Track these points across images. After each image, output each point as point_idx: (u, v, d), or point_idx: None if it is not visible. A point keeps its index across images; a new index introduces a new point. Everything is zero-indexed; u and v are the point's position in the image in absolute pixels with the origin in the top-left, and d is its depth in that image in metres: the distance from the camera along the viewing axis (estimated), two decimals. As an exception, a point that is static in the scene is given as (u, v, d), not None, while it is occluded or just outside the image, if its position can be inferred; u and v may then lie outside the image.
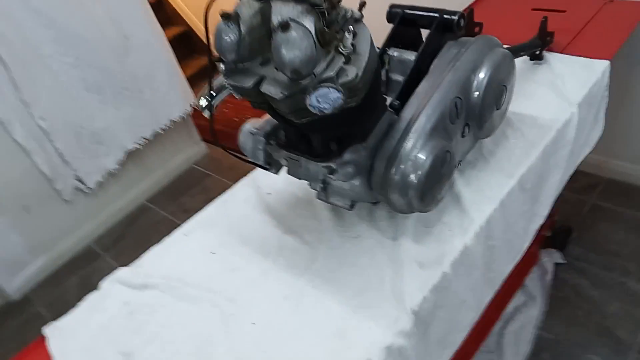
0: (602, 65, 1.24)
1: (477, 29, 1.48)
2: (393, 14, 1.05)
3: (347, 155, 0.83)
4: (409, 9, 1.03)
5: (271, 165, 0.95)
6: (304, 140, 0.85)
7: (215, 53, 0.74)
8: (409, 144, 0.83)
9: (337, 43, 0.71)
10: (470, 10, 1.44)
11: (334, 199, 0.94)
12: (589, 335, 1.42)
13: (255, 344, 0.79)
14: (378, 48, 1.02)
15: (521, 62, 1.31)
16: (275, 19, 0.68)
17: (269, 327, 0.82)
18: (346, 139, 0.82)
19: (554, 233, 1.66)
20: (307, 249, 0.95)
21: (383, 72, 1.02)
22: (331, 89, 0.68)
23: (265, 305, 0.86)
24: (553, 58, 1.31)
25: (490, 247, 0.96)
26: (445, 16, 0.97)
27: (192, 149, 2.68)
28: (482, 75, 0.91)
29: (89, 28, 1.99)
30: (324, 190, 0.89)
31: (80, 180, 2.17)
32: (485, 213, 0.93)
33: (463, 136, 0.93)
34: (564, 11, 1.50)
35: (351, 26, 0.72)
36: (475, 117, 0.93)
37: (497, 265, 1.02)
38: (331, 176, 0.84)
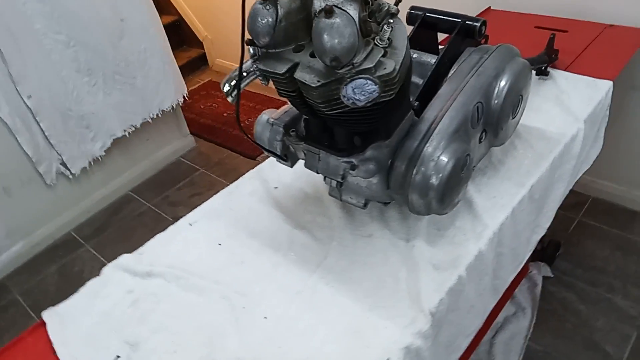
0: (606, 85, 1.27)
1: (483, 41, 1.51)
2: (413, 16, 1.05)
3: (369, 152, 0.82)
4: (430, 12, 1.04)
5: (287, 157, 0.94)
6: (327, 133, 0.84)
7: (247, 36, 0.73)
8: (431, 145, 0.83)
9: (374, 35, 0.70)
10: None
11: (348, 196, 0.94)
12: (576, 348, 1.44)
13: (269, 338, 0.78)
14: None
15: (528, 76, 1.33)
16: (318, 4, 0.67)
17: (281, 321, 0.80)
18: (370, 135, 0.81)
19: (543, 247, 1.68)
20: (318, 245, 0.94)
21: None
22: (368, 81, 0.67)
23: (277, 299, 0.84)
24: (558, 75, 1.34)
25: (499, 254, 0.97)
26: (467, 22, 0.98)
27: (179, 142, 2.63)
28: (503, 82, 0.92)
29: (84, 7, 1.93)
30: (339, 187, 0.88)
31: (64, 165, 2.09)
32: (498, 220, 0.93)
33: (480, 142, 0.94)
34: (566, 31, 1.54)
35: (390, 20, 0.72)
36: (493, 123, 0.93)
37: (503, 272, 1.02)
38: (351, 172, 0.83)
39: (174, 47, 2.38)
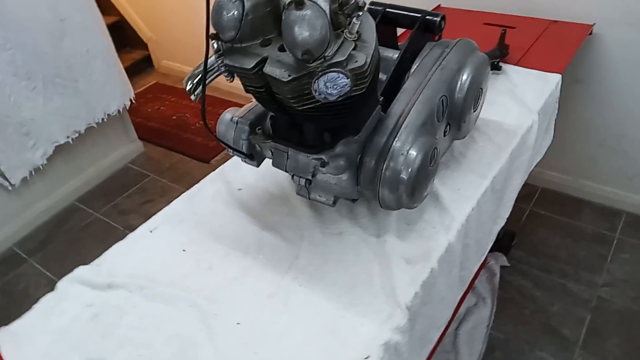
0: (555, 78, 1.32)
1: (436, 38, 1.54)
2: (373, 12, 1.05)
3: (339, 148, 0.81)
4: (390, 8, 1.04)
5: (253, 156, 0.91)
6: (295, 130, 0.82)
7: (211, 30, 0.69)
8: (400, 139, 0.83)
9: (344, 28, 0.69)
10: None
11: (316, 194, 0.92)
12: (536, 333, 1.49)
13: (244, 344, 0.74)
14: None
15: (481, 71, 1.37)
16: (284, -1, 0.65)
17: (256, 326, 0.78)
18: (340, 130, 0.80)
19: (499, 237, 1.73)
20: (288, 246, 0.92)
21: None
22: (340, 75, 0.66)
23: (250, 304, 0.81)
24: (510, 69, 1.38)
25: (466, 245, 0.98)
26: (427, 17, 0.99)
27: (127, 147, 2.52)
28: (465, 76, 0.93)
29: (21, 7, 1.81)
30: (307, 185, 0.86)
31: (3, 176, 1.95)
32: (465, 212, 0.94)
33: (445, 135, 0.95)
34: (514, 27, 1.59)
35: (357, 15, 0.71)
36: (456, 116, 0.95)
37: (469, 264, 1.04)
38: (322, 169, 0.82)
39: (117, 49, 2.28)
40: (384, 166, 0.82)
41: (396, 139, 0.83)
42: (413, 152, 0.82)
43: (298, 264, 0.88)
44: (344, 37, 0.68)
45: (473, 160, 1.08)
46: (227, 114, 0.91)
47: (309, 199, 0.93)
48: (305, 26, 0.62)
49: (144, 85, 3.23)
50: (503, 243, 1.76)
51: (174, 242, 0.95)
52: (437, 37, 1.40)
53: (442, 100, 0.89)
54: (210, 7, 0.67)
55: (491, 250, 1.76)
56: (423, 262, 0.85)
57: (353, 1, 0.72)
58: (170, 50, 3.24)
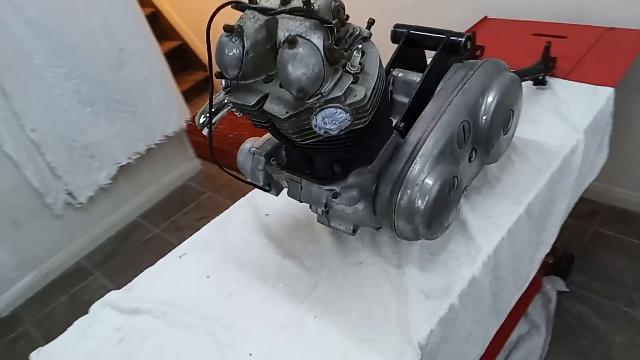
0: (606, 92, 1.22)
1: (478, 52, 1.48)
2: (398, 34, 1.03)
3: (351, 179, 0.80)
4: (414, 29, 1.01)
5: (271, 186, 0.92)
6: (307, 161, 0.82)
7: (216, 69, 0.71)
8: (415, 168, 0.80)
9: (345, 62, 0.68)
10: (472, 33, 1.44)
11: (336, 223, 0.91)
12: (594, 366, 1.38)
13: (253, 376, 0.75)
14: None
15: (524, 87, 1.29)
16: (282, 34, 0.65)
17: (267, 358, 0.78)
18: (351, 161, 0.79)
19: (556, 260, 1.62)
20: (307, 275, 0.91)
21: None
22: (338, 110, 0.65)
23: (264, 334, 0.81)
24: (556, 83, 1.30)
25: (497, 276, 0.93)
26: (452, 38, 0.95)
27: (186, 165, 2.64)
28: (490, 99, 0.89)
29: (82, 39, 1.96)
30: (326, 214, 0.86)
31: (72, 195, 2.12)
32: (494, 242, 0.89)
33: (470, 161, 0.91)
34: (565, 37, 1.50)
35: (360, 45, 0.70)
36: (483, 141, 0.90)
37: (504, 295, 0.98)
38: (334, 200, 0.81)
39: (179, 72, 2.41)
40: (399, 196, 0.79)
41: (412, 167, 0.80)
42: (429, 181, 0.79)
43: (315, 294, 0.87)
44: (343, 71, 0.67)
45: (508, 184, 1.02)
46: (247, 144, 0.92)
47: (330, 227, 0.92)
48: (298, 64, 0.62)
49: (205, 105, 3.37)
50: (561, 266, 1.64)
51: (200, 268, 0.98)
52: (478, 52, 1.36)
53: (464, 126, 0.85)
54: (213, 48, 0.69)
55: (548, 274, 1.66)
56: (442, 297, 0.81)
57: (356, 33, 0.72)
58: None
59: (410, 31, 1.01)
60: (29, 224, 2.03)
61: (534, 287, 1.57)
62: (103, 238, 2.31)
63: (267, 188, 0.90)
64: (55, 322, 1.93)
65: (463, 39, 0.95)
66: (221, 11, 0.64)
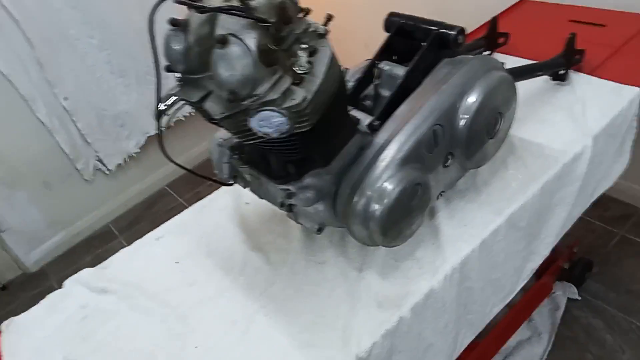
0: (631, 93, 1.10)
1: (501, 40, 1.37)
2: (391, 23, 0.97)
3: (307, 180, 0.77)
4: (409, 19, 0.95)
5: (238, 178, 0.90)
6: (264, 159, 0.80)
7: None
8: (376, 172, 0.76)
9: (291, 61, 0.65)
10: (493, 19, 1.34)
11: (302, 220, 0.89)
12: (592, 384, 1.30)
13: (192, 370, 0.76)
14: (369, 60, 0.94)
15: (542, 80, 1.19)
16: (219, 32, 0.62)
17: (210, 352, 0.78)
18: (306, 162, 0.76)
19: (572, 265, 1.52)
20: (269, 270, 0.91)
21: (372, 87, 0.94)
22: (274, 113, 0.62)
23: (213, 328, 0.82)
24: (579, 79, 1.18)
25: (468, 288, 0.88)
26: (442, 30, 0.88)
27: (216, 138, 2.68)
28: (471, 100, 0.82)
29: (116, 12, 2.01)
30: (289, 211, 0.84)
31: (101, 162, 2.21)
32: (462, 253, 0.84)
33: (446, 166, 0.85)
34: (603, 25, 1.35)
35: (306, 44, 0.66)
36: (461, 146, 0.84)
37: (479, 307, 0.93)
38: (290, 200, 0.79)
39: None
40: (356, 199, 0.76)
41: (372, 171, 0.76)
42: (388, 187, 0.75)
43: (272, 291, 0.86)
44: (285, 72, 0.63)
45: (495, 190, 0.95)
46: (217, 134, 0.91)
47: (298, 222, 0.90)
48: (227, 65, 0.60)
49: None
50: (576, 272, 1.53)
51: (172, 253, 0.99)
52: (502, 40, 1.26)
53: (435, 130, 0.80)
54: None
55: (561, 279, 1.57)
56: (394, 308, 0.78)
57: (311, 29, 0.67)
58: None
59: (402, 21, 0.95)
60: (60, 187, 2.15)
61: (543, 292, 1.48)
62: (131, 204, 2.41)
63: (230, 182, 0.89)
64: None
65: (454, 32, 0.88)
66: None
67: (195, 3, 0.62)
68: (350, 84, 0.94)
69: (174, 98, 0.74)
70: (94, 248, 2.20)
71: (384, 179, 0.75)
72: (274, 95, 0.62)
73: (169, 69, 0.70)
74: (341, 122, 0.75)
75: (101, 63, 2.05)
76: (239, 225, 1.02)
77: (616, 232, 1.68)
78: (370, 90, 0.94)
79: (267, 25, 0.61)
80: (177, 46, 0.67)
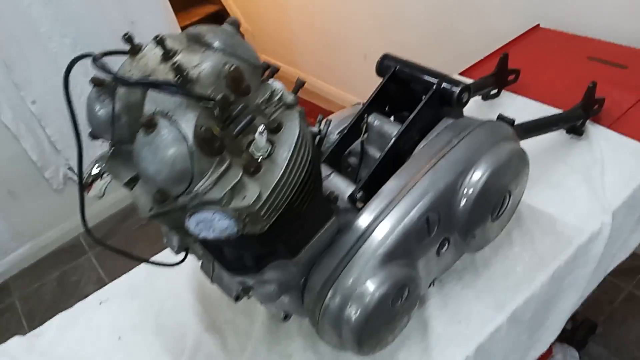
0: (657, 156, 0.95)
1: (512, 77, 1.22)
2: (384, 67, 0.82)
3: (269, 273, 0.62)
4: (405, 66, 0.80)
5: (191, 250, 0.75)
6: (216, 244, 0.65)
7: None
8: (353, 268, 0.62)
9: (245, 142, 0.50)
10: (504, 56, 1.18)
11: (266, 305, 0.75)
12: None
13: None
14: (357, 105, 0.79)
15: (556, 133, 1.04)
16: (147, 108, 0.48)
17: None
18: (267, 254, 0.61)
19: (574, 327, 1.38)
20: (224, 358, 0.76)
21: (358, 143, 0.79)
22: (217, 215, 0.48)
23: None
24: (597, 133, 1.03)
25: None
26: (444, 86, 0.74)
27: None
28: (475, 178, 0.67)
29: (91, 9, 1.84)
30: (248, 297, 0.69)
31: (72, 170, 2.05)
32: (454, 361, 0.70)
33: (439, 255, 0.70)
34: (625, 67, 1.21)
35: (268, 118, 0.51)
36: (460, 230, 0.69)
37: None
38: (247, 294, 0.64)
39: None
40: (328, 299, 0.62)
41: (348, 266, 0.62)
42: (367, 289, 0.61)
43: (223, 391, 0.72)
44: (233, 160, 0.48)
45: (497, 275, 0.81)
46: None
47: (262, 304, 0.76)
48: (153, 158, 0.45)
49: (237, 78, 3.22)
50: (578, 334, 1.40)
51: (116, 323, 0.85)
52: (512, 77, 1.11)
53: (428, 218, 0.65)
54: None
55: (562, 341, 1.43)
56: None
57: (276, 97, 0.53)
58: (267, 44, 3.17)
59: (399, 67, 0.80)
60: (26, 196, 1.99)
61: (542, 356, 1.35)
62: (103, 216, 2.25)
63: (179, 261, 0.74)
64: (40, 300, 1.91)
65: (458, 90, 0.73)
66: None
67: (117, 74, 0.47)
68: (333, 137, 0.80)
69: (100, 168, 0.60)
70: (62, 263, 2.05)
71: (363, 279, 0.61)
72: (216, 194, 0.47)
73: (93, 136, 0.56)
74: (313, 210, 0.60)
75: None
76: (196, 294, 0.87)
77: (622, 287, 1.54)
78: (356, 146, 0.79)
79: (207, 105, 0.46)
80: (101, 112, 0.52)
